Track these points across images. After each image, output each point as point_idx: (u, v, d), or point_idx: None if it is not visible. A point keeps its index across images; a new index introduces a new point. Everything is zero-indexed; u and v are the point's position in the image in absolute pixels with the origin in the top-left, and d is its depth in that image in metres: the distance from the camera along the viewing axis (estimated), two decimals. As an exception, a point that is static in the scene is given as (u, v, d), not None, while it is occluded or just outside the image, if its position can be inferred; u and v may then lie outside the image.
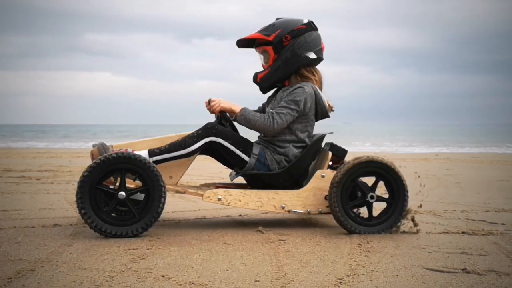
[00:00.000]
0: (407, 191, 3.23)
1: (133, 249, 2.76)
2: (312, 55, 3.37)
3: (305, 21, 3.40)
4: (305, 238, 3.11)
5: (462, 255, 2.72)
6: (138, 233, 3.02)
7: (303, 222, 3.68)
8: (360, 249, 2.82)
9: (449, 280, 2.28)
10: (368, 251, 2.78)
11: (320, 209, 3.30)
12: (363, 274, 2.35)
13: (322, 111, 3.42)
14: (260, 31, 3.41)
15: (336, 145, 3.44)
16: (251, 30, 3.47)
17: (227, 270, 2.39)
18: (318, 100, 3.37)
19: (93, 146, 3.23)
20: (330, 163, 3.44)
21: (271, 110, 3.33)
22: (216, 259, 2.58)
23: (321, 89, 3.46)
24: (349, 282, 2.23)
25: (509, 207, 4.46)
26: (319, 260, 2.60)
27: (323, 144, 3.52)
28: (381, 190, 3.58)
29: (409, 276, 2.33)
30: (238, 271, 2.37)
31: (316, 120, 3.46)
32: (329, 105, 3.47)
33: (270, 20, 3.47)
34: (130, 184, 3.11)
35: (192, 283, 2.18)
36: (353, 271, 2.40)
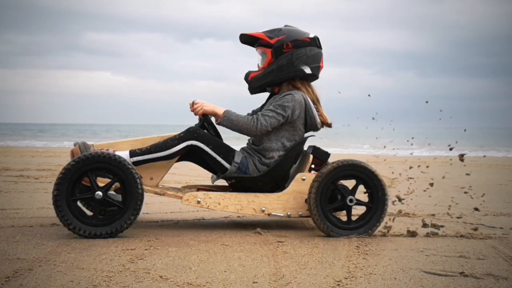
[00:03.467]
0: (386, 194, 3.23)
1: (131, 249, 2.76)
2: (308, 70, 3.34)
3: (311, 36, 3.38)
4: (303, 240, 3.11)
5: (460, 259, 2.72)
6: (131, 221, 3.01)
7: (302, 224, 3.68)
8: (358, 252, 2.82)
9: (447, 283, 2.28)
10: (366, 254, 2.78)
11: (300, 212, 3.29)
12: (361, 277, 2.35)
13: (311, 122, 3.37)
14: (264, 32, 3.41)
15: (318, 148, 3.42)
16: (251, 31, 3.47)
17: (225, 271, 2.39)
18: (307, 110, 3.34)
19: (75, 144, 3.21)
20: (313, 166, 3.43)
21: (258, 113, 3.33)
22: (214, 260, 2.58)
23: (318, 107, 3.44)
24: (347, 284, 2.23)
25: (507, 211, 4.46)
26: (317, 262, 2.60)
27: (305, 147, 3.51)
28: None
29: (407, 279, 2.33)
30: (236, 273, 2.37)
31: (306, 131, 3.43)
32: (323, 122, 3.43)
33: (270, 21, 3.47)
34: (104, 182, 3.08)
35: (190, 284, 2.18)
36: (351, 273, 2.40)
